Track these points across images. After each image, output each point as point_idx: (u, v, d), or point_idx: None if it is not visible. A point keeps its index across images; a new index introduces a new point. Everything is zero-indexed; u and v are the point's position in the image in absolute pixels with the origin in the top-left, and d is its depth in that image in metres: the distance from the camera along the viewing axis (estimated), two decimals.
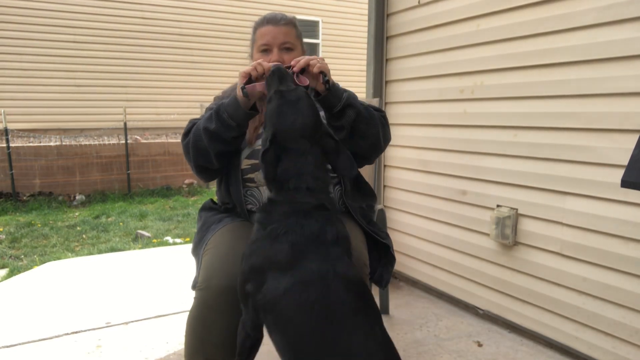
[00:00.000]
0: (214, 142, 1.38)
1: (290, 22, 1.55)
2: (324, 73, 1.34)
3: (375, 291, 1.69)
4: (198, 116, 1.54)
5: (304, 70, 1.33)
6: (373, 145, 1.47)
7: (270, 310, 1.07)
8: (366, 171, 1.99)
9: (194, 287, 1.46)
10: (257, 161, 1.47)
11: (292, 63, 1.35)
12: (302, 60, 1.33)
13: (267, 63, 1.36)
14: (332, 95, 1.36)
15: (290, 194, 1.16)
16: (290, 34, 1.53)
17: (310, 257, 1.07)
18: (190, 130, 1.47)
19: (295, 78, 1.31)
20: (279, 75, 1.28)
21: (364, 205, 1.62)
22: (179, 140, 2.40)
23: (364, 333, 1.02)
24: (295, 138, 1.20)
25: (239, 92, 1.34)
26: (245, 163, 1.50)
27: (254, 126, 1.52)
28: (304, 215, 1.13)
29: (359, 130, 1.41)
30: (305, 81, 1.32)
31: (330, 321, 1.02)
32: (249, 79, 1.34)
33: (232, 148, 1.44)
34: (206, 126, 1.38)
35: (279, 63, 1.38)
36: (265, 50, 1.51)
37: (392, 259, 1.58)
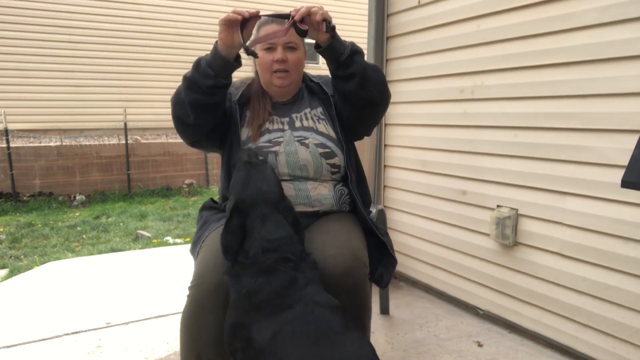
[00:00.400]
0: (190, 91, 1.38)
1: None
2: (327, 21, 1.34)
3: (375, 291, 1.69)
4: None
5: (304, 20, 1.33)
6: (381, 92, 1.51)
7: (262, 356, 1.09)
8: (366, 170, 1.99)
9: None
10: (261, 158, 1.49)
11: (292, 12, 1.32)
12: (303, 8, 1.32)
13: (236, 14, 1.32)
14: (337, 42, 1.39)
15: (253, 256, 1.20)
16: (294, 33, 1.51)
17: (287, 303, 1.12)
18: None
19: (296, 26, 1.32)
20: (249, 152, 1.39)
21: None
22: (179, 140, 2.40)
23: (355, 347, 1.08)
24: (257, 204, 1.25)
25: (220, 43, 1.34)
26: None
27: (258, 124, 1.54)
28: (269, 271, 1.16)
29: (369, 78, 1.44)
30: (305, 27, 1.32)
31: (325, 341, 1.06)
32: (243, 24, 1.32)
33: (209, 100, 1.40)
34: (186, 75, 1.41)
35: (249, 146, 1.47)
36: (270, 48, 1.52)
37: (393, 260, 1.58)
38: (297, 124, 1.59)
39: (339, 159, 1.56)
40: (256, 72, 1.65)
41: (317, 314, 1.10)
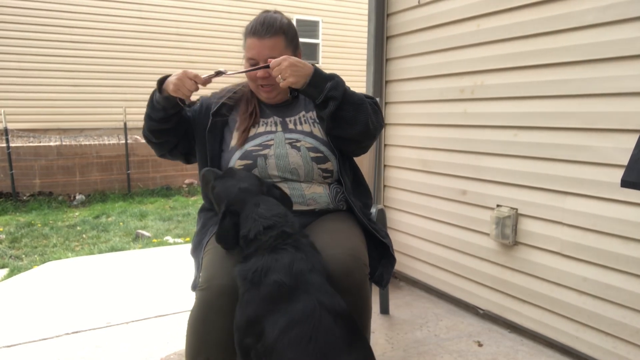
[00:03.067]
0: (147, 120, 1.54)
1: (276, 31, 1.48)
2: (291, 88, 1.41)
3: (375, 291, 1.69)
4: None
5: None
6: (362, 131, 1.48)
7: (269, 354, 1.10)
8: (366, 170, 1.99)
9: (193, 288, 1.46)
10: (250, 161, 1.50)
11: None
12: (280, 68, 1.37)
13: (190, 80, 1.40)
14: (311, 89, 1.41)
15: (255, 241, 1.24)
16: (276, 46, 1.48)
17: (296, 295, 1.13)
18: None
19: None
20: (206, 173, 1.48)
21: (361, 204, 1.63)
22: None
23: None
24: (243, 199, 1.32)
25: (170, 88, 1.41)
26: (238, 164, 1.51)
27: (243, 128, 1.54)
28: (272, 250, 1.20)
29: (345, 118, 1.44)
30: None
31: (325, 357, 1.07)
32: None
33: (164, 126, 1.52)
34: (145, 110, 1.54)
35: (207, 168, 1.50)
36: (253, 64, 1.49)
37: (392, 259, 1.58)
38: (291, 126, 1.57)
39: (331, 164, 1.55)
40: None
41: (325, 325, 1.09)
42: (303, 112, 1.60)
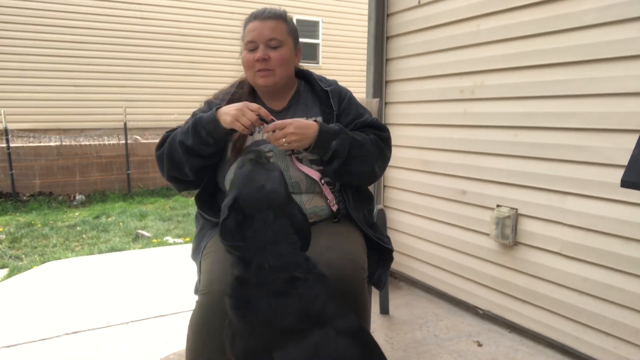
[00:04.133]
0: (190, 157, 1.39)
1: (279, 16, 1.45)
2: (293, 150, 1.39)
3: (375, 291, 1.69)
4: (175, 125, 1.52)
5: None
6: (367, 178, 1.50)
7: None
8: None
9: (196, 291, 1.46)
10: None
11: (266, 136, 1.36)
12: (287, 136, 1.33)
13: (251, 112, 1.32)
14: (316, 151, 1.39)
15: (256, 273, 1.08)
16: (278, 29, 1.43)
17: (310, 325, 1.04)
18: (165, 142, 1.46)
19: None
20: (258, 152, 1.27)
21: (366, 212, 1.60)
22: None
23: None
24: (259, 207, 1.12)
25: (227, 120, 1.33)
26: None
27: (237, 137, 1.45)
28: (281, 294, 1.05)
29: (350, 172, 1.43)
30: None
31: None
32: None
33: (209, 162, 1.45)
34: (182, 140, 1.38)
35: (259, 149, 1.34)
36: (252, 47, 1.43)
37: (390, 261, 1.57)
38: None
39: None
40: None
41: (342, 349, 1.03)
42: (304, 118, 1.51)
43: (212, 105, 1.50)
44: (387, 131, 1.56)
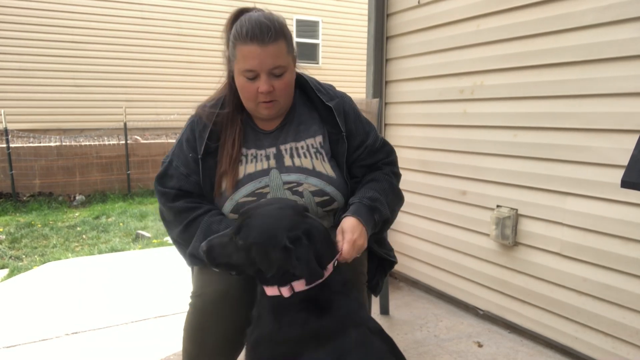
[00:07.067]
0: (181, 247, 1.45)
1: (278, 35, 1.22)
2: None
3: None
4: (176, 124, 1.44)
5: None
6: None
7: None
8: None
9: None
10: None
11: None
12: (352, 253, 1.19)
13: None
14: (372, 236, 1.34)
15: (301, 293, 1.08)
16: (280, 53, 1.23)
17: (339, 328, 1.08)
18: (166, 174, 1.37)
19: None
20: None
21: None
22: None
23: None
24: (270, 236, 1.07)
25: None
26: (231, 217, 1.34)
27: (223, 170, 1.33)
28: (311, 301, 1.08)
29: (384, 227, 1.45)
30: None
31: None
32: None
33: None
34: (179, 240, 1.45)
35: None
36: (252, 76, 1.24)
37: (389, 268, 1.56)
38: (287, 160, 1.33)
39: (337, 204, 1.37)
40: (229, 87, 1.35)
41: (377, 346, 1.11)
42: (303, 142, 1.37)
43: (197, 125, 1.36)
44: (393, 153, 1.53)
